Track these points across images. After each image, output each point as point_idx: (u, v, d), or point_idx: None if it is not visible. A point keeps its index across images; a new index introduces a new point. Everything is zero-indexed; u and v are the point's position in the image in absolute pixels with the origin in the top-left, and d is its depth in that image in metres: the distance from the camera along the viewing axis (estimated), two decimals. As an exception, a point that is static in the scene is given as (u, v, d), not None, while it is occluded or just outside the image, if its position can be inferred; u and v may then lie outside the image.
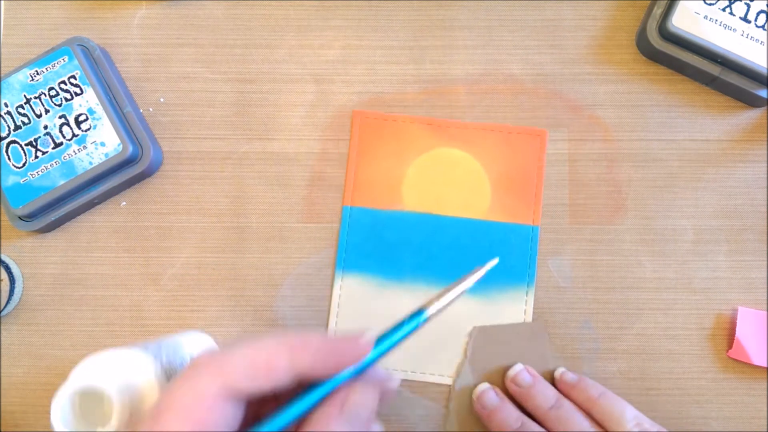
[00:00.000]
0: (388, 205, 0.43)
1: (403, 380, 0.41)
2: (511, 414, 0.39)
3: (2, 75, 0.42)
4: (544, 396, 0.39)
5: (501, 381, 0.41)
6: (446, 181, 0.43)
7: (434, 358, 0.41)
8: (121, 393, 0.30)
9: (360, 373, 0.27)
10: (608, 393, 0.38)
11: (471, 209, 0.42)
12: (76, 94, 0.41)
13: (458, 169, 0.43)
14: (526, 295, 0.42)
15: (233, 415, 0.25)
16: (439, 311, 0.30)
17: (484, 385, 0.40)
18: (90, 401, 0.32)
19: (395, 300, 0.42)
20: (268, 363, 0.25)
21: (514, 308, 0.41)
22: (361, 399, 0.26)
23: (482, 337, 0.41)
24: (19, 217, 0.41)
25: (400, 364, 0.41)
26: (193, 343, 0.39)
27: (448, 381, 0.41)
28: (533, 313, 0.42)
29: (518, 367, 0.40)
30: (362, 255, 0.42)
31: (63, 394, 0.31)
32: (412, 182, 0.43)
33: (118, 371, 0.31)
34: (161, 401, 0.25)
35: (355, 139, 0.43)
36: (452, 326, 0.41)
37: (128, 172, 0.42)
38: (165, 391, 0.25)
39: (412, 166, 0.43)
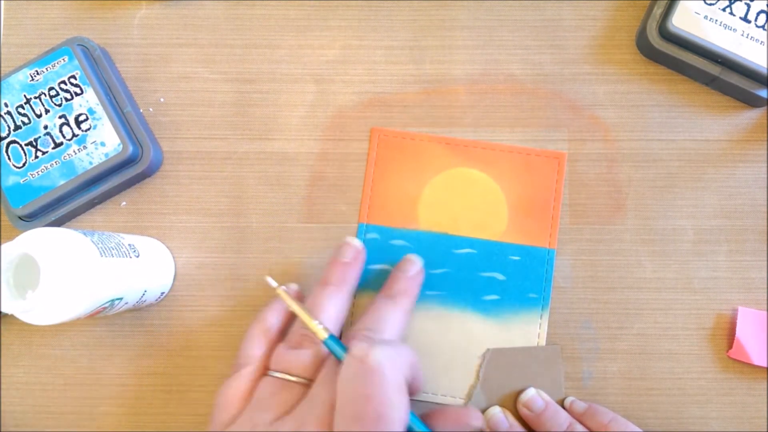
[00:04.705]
0: (403, 223, 0.42)
1: (415, 401, 0.41)
2: None
3: (2, 75, 0.42)
4: (557, 421, 0.39)
5: (513, 404, 0.41)
6: (463, 202, 0.42)
7: (446, 379, 0.41)
8: (52, 261, 0.32)
9: None
10: (619, 418, 0.38)
11: (487, 230, 0.42)
12: (76, 94, 0.41)
13: (475, 190, 0.42)
14: (540, 318, 0.41)
15: None
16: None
17: (495, 409, 0.40)
18: (25, 269, 0.33)
19: (409, 319, 0.41)
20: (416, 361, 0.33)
21: (527, 331, 0.41)
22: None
23: (495, 359, 0.41)
24: (19, 217, 0.41)
25: None
26: (134, 238, 0.40)
27: (460, 402, 0.41)
28: (547, 336, 0.41)
29: (531, 392, 0.40)
30: (376, 273, 0.42)
31: None
32: (428, 201, 0.42)
33: (53, 244, 0.33)
34: (373, 403, 0.30)
35: (372, 157, 0.43)
36: (465, 348, 0.41)
37: (128, 172, 0.42)
38: (362, 392, 0.30)
39: (429, 185, 0.43)
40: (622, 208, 0.43)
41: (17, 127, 0.41)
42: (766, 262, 0.42)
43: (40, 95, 0.41)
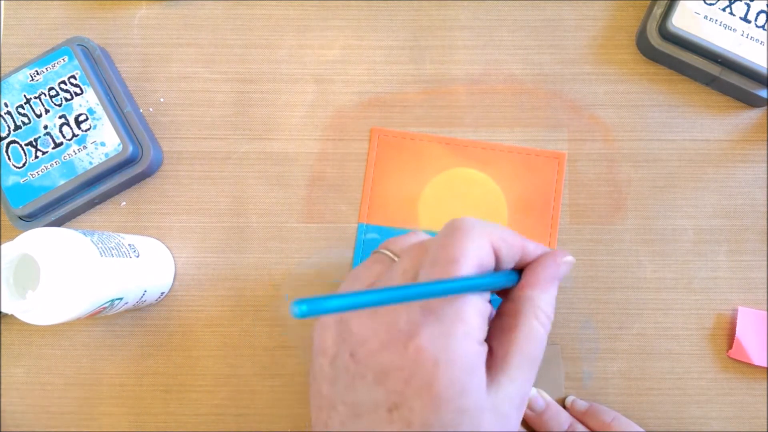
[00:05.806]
0: (403, 223, 0.42)
1: None
2: None
3: (2, 75, 0.42)
4: (558, 421, 0.38)
5: None
6: (463, 202, 0.42)
7: None
8: (52, 261, 0.32)
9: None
10: (620, 417, 0.38)
11: None
12: (76, 94, 0.41)
13: (475, 190, 0.42)
14: None
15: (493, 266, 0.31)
16: None
17: None
18: (25, 269, 0.33)
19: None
20: (510, 238, 0.31)
21: None
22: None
23: None
24: (19, 217, 0.41)
25: None
26: (134, 238, 0.40)
27: None
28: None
29: (532, 392, 0.40)
30: None
31: None
32: (428, 201, 0.42)
33: (53, 244, 0.33)
34: (450, 250, 0.29)
35: (372, 157, 0.43)
36: None
37: (128, 172, 0.42)
38: (443, 242, 0.30)
39: (428, 185, 0.43)
40: (622, 208, 0.43)
41: (17, 127, 0.41)
42: (766, 262, 0.42)
43: (40, 95, 0.41)
